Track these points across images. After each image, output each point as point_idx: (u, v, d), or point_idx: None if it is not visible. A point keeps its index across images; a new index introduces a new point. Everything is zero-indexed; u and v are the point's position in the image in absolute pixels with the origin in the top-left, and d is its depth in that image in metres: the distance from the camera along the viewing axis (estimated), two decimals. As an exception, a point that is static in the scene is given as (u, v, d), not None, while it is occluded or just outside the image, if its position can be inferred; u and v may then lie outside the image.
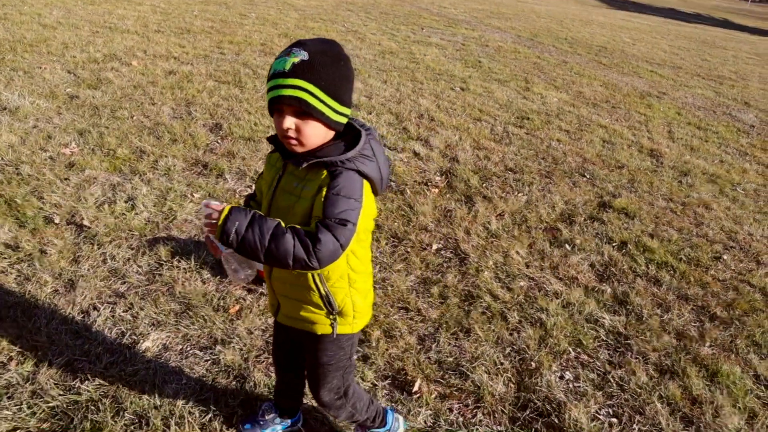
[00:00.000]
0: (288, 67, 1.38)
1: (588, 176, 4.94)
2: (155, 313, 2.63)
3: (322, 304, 1.62)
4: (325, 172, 1.46)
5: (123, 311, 2.63)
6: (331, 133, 1.50)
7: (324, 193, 1.43)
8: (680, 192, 4.88)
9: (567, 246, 3.73)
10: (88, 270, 2.88)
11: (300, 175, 1.51)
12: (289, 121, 1.43)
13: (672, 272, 3.59)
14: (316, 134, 1.46)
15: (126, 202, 3.53)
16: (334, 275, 1.58)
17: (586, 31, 15.49)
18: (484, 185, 4.44)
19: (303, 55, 1.39)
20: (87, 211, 3.38)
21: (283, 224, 1.42)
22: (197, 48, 7.62)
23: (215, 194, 3.77)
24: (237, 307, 2.73)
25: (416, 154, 4.88)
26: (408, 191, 4.16)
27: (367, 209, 1.48)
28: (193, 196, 3.70)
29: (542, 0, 25.86)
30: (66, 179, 3.76)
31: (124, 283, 2.83)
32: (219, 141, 4.62)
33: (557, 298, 3.14)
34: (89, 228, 3.23)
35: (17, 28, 7.55)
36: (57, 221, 3.27)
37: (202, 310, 2.68)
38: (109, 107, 5.07)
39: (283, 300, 1.70)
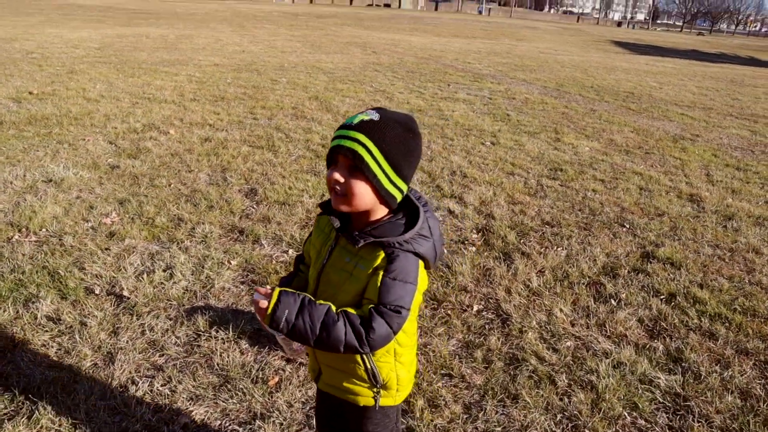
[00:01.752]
0: (356, 121, 1.39)
1: (628, 226, 4.82)
2: (193, 386, 2.59)
3: (366, 378, 1.57)
4: (381, 253, 1.41)
5: (161, 385, 2.59)
6: (379, 205, 1.44)
7: (380, 277, 1.39)
8: (726, 237, 4.71)
9: (612, 301, 3.59)
10: (127, 342, 2.87)
11: (353, 251, 1.46)
12: (340, 173, 1.40)
13: (727, 324, 3.40)
14: (362, 195, 1.39)
15: (164, 271, 3.56)
16: (381, 350, 1.53)
17: (611, 78, 15.54)
18: (521, 241, 4.36)
19: (374, 116, 1.39)
20: (127, 281, 3.41)
21: (334, 309, 1.40)
22: (231, 114, 7.86)
23: (252, 260, 3.77)
24: (276, 379, 2.67)
25: (451, 212, 4.85)
26: (445, 251, 4.10)
27: (421, 287, 1.45)
28: (230, 263, 3.71)
29: (565, 50, 26.20)
30: (107, 249, 3.82)
31: (163, 355, 2.80)
32: (254, 206, 4.67)
33: (607, 358, 2.99)
34: (128, 298, 3.24)
35: (64, 103, 7.93)
36: (97, 292, 3.30)
37: (240, 382, 2.62)
38: (147, 176, 5.21)
39: (326, 368, 1.65)
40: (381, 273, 1.40)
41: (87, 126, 6.81)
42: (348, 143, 1.37)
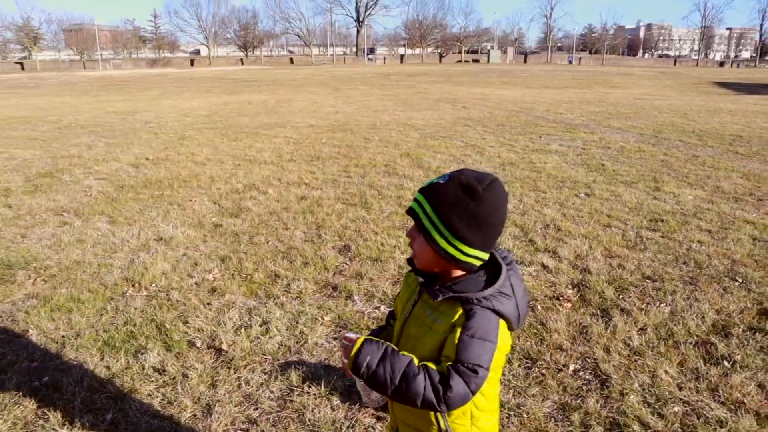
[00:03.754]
0: (426, 184, 1.46)
1: (740, 280, 4.45)
2: (286, 441, 2.64)
3: None
4: (460, 309, 1.42)
5: (256, 439, 2.66)
6: (450, 265, 1.45)
7: (458, 334, 1.39)
8: None
9: (726, 363, 3.30)
10: (224, 395, 2.99)
11: (434, 306, 1.48)
12: (409, 232, 1.49)
13: None
14: (423, 253, 1.46)
15: (261, 326, 3.70)
16: (457, 411, 1.50)
17: (714, 121, 14.72)
18: (620, 297, 4.14)
19: (443, 179, 1.43)
20: (225, 335, 3.58)
21: (416, 362, 1.40)
22: (326, 173, 8.20)
23: (344, 316, 3.85)
24: (366, 436, 2.67)
25: (545, 266, 4.71)
26: (539, 307, 3.97)
27: (502, 347, 1.42)
28: (324, 319, 3.80)
29: (662, 95, 25.22)
30: (208, 304, 4.04)
31: (257, 408, 2.89)
32: (347, 262, 4.79)
33: (722, 427, 2.73)
34: (227, 352, 3.39)
35: (175, 167, 8.64)
36: (199, 345, 3.49)
37: (330, 438, 2.64)
38: (247, 234, 5.50)
39: (402, 425, 1.65)
40: (459, 330, 1.39)
41: (194, 187, 7.36)
42: (413, 204, 1.46)
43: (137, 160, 9.30)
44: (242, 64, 79.60)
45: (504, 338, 1.43)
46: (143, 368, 3.24)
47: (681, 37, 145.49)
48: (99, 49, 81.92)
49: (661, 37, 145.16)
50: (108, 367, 3.25)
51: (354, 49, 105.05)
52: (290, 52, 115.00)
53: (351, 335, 1.47)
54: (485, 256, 1.45)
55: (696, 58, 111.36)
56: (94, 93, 27.60)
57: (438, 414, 1.50)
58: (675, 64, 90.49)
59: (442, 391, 1.35)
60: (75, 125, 14.16)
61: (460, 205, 1.39)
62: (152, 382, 3.12)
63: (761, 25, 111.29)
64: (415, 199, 1.45)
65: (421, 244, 1.46)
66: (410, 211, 1.46)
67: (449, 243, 1.41)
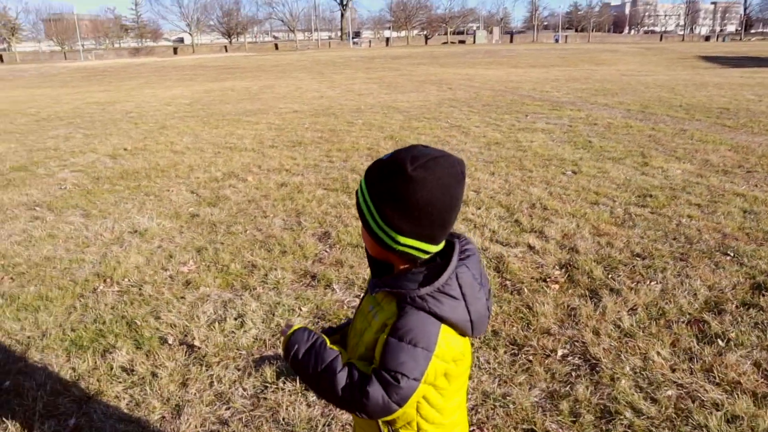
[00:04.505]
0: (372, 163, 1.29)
1: (732, 254, 4.33)
2: (258, 442, 2.49)
3: None
4: (395, 307, 1.24)
5: (226, 441, 2.51)
6: (392, 255, 1.26)
7: (385, 335, 1.21)
8: None
9: (720, 341, 3.18)
10: (195, 394, 2.83)
11: (377, 299, 1.31)
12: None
13: None
14: (364, 237, 1.29)
15: (236, 319, 3.54)
16: (400, 421, 1.32)
17: (701, 94, 14.61)
18: (609, 276, 4.01)
19: (386, 157, 1.23)
20: (198, 330, 3.42)
21: (343, 358, 1.26)
22: (307, 159, 8.00)
23: (323, 306, 3.69)
24: (343, 435, 2.52)
25: (531, 247, 4.56)
26: (525, 290, 3.83)
27: (445, 356, 1.23)
28: (301, 310, 3.64)
29: (649, 70, 25.11)
30: (182, 298, 3.87)
31: (229, 408, 2.73)
32: (327, 250, 4.63)
33: (718, 410, 2.61)
34: (199, 348, 3.23)
35: (153, 157, 8.40)
36: (170, 341, 3.32)
37: (306, 438, 2.50)
38: (225, 223, 5.32)
39: (357, 427, 1.51)
40: (387, 330, 1.22)
41: (172, 177, 7.14)
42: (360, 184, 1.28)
43: (115, 150, 9.05)
44: (226, 51, 78.49)
45: (449, 346, 1.23)
46: (111, 368, 3.07)
47: (666, 12, 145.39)
48: (80, 39, 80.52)
49: (647, 13, 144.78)
50: (74, 369, 3.08)
51: (339, 33, 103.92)
52: (275, 38, 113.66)
53: (291, 323, 1.38)
54: (430, 247, 1.23)
55: (682, 33, 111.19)
56: (74, 84, 27.10)
57: (381, 422, 1.33)
58: (661, 39, 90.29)
59: (359, 396, 1.19)
60: (53, 117, 13.83)
61: (389, 187, 1.19)
62: (120, 382, 2.96)
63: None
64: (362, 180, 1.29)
65: (363, 230, 1.28)
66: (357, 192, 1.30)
67: (380, 228, 1.22)
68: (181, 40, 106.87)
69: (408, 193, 1.16)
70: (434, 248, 1.25)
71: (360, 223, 1.30)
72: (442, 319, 1.21)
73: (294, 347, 1.29)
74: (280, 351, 1.35)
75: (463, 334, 1.27)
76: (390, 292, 1.25)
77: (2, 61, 62.45)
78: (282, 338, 1.37)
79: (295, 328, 1.33)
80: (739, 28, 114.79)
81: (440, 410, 1.33)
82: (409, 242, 1.21)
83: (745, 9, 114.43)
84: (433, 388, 1.28)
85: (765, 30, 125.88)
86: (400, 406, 1.21)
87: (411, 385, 1.19)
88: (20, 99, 19.67)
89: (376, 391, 1.18)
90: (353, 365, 1.25)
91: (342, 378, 1.22)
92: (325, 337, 1.33)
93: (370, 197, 1.22)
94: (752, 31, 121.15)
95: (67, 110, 15.25)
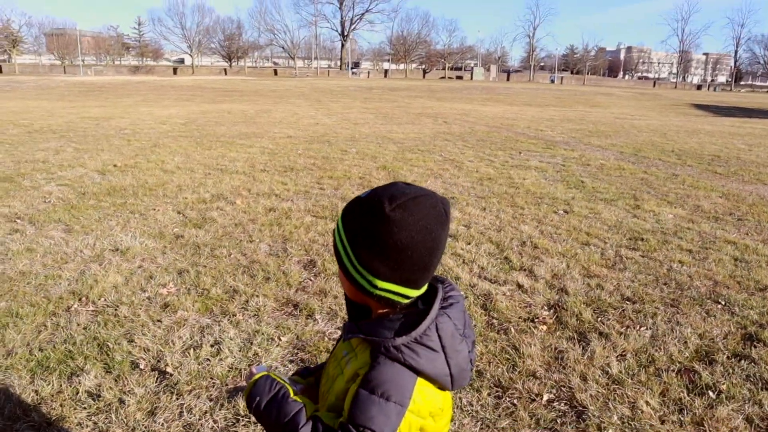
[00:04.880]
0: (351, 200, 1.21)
1: (723, 303, 4.27)
2: (225, 481, 2.35)
3: None
4: (369, 354, 1.15)
5: (191, 478, 2.37)
6: (370, 300, 1.18)
7: (356, 385, 1.12)
8: None
9: (710, 393, 3.08)
10: (162, 424, 2.69)
11: (353, 345, 1.22)
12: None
13: None
14: (341, 279, 1.20)
15: (212, 346, 3.40)
16: None
17: (693, 141, 14.77)
18: (599, 319, 3.92)
19: (364, 194, 1.16)
20: (173, 356, 3.28)
21: (307, 411, 1.16)
22: (298, 185, 7.92)
23: (303, 337, 3.56)
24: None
25: (520, 286, 4.48)
26: (512, 330, 3.73)
27: (420, 411, 1.13)
28: (280, 340, 3.51)
29: (642, 115, 25.46)
30: (158, 321, 3.73)
31: (197, 441, 2.59)
32: (312, 278, 4.51)
33: (707, 467, 2.50)
34: (171, 375, 3.09)
35: (142, 175, 8.30)
36: (142, 366, 3.18)
37: (275, 478, 2.35)
38: (209, 246, 5.20)
39: None
40: (358, 380, 1.12)
41: (160, 196, 7.03)
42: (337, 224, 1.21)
43: (104, 166, 8.94)
44: (225, 74, 79.18)
45: (425, 400, 1.14)
46: (77, 393, 2.92)
47: (660, 60, 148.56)
48: (80, 54, 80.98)
49: (641, 60, 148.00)
50: (37, 392, 2.93)
51: (338, 63, 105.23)
52: (275, 63, 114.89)
53: (255, 369, 1.29)
54: (410, 292, 1.15)
55: (674, 80, 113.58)
56: (71, 98, 27.08)
57: None
58: (654, 86, 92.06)
59: None
60: (46, 129, 13.74)
61: (366, 228, 1.11)
62: (84, 408, 2.81)
63: (736, 52, 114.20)
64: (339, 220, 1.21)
65: (339, 270, 1.21)
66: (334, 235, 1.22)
67: (357, 272, 1.14)
68: (182, 61, 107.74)
69: (386, 234, 1.08)
70: (415, 293, 1.16)
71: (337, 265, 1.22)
72: (418, 372, 1.12)
73: (256, 399, 1.21)
74: (242, 400, 1.24)
75: (441, 388, 1.17)
76: (364, 339, 1.16)
77: (1, 72, 62.58)
78: (247, 378, 1.29)
79: (257, 376, 1.25)
80: (730, 79, 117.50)
81: None
82: (387, 286, 1.12)
83: (735, 61, 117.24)
84: None
85: (754, 82, 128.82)
86: None
87: None
88: (15, 110, 19.58)
89: None
90: (318, 418, 1.15)
91: None
92: (289, 386, 1.24)
93: (346, 238, 1.14)
94: (741, 82, 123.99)
95: (61, 123, 15.17)
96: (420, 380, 1.12)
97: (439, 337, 1.13)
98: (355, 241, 1.12)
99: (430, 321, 1.12)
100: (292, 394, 1.21)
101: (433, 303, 1.15)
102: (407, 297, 1.15)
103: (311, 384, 1.40)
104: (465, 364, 1.18)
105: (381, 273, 1.11)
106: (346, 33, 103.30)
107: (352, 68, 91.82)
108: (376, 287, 1.12)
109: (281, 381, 1.26)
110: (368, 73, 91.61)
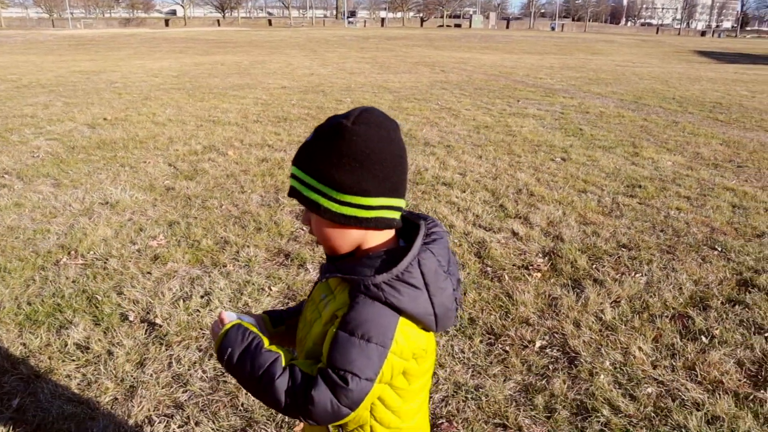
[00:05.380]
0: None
1: (720, 249, 4.22)
2: (213, 429, 2.34)
3: None
4: (347, 296, 1.08)
5: (178, 426, 2.36)
6: (365, 234, 1.10)
7: (335, 327, 1.05)
8: (843, 264, 4.01)
9: (703, 338, 3.06)
10: (151, 375, 2.67)
11: (331, 287, 1.15)
12: (304, 216, 1.15)
13: None
14: (320, 232, 1.11)
15: (202, 297, 3.37)
16: (352, 424, 1.16)
17: (695, 88, 14.50)
18: (594, 266, 3.88)
19: (310, 137, 1.09)
20: (162, 307, 3.24)
21: (283, 360, 1.09)
22: (291, 135, 7.78)
23: (294, 287, 3.53)
24: (302, 425, 2.38)
25: (515, 233, 4.42)
26: (506, 277, 3.69)
27: (403, 352, 1.07)
28: (271, 290, 3.47)
29: (643, 62, 24.96)
30: (148, 273, 3.69)
31: (186, 391, 2.57)
32: (304, 228, 4.46)
33: (698, 410, 2.49)
34: (161, 326, 3.06)
35: (133, 128, 8.14)
36: (131, 318, 3.15)
37: (264, 427, 2.34)
38: (200, 197, 5.12)
39: (307, 429, 1.38)
40: (337, 322, 1.05)
41: (150, 149, 6.91)
42: (290, 182, 1.13)
43: (94, 120, 8.77)
44: (219, 25, 77.28)
45: (408, 340, 1.08)
46: (65, 345, 2.90)
47: (664, 5, 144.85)
48: (69, 6, 78.85)
49: (644, 5, 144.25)
50: (25, 345, 2.91)
51: (334, 12, 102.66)
52: (269, 13, 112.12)
53: (226, 315, 1.19)
54: (399, 201, 1.10)
55: (678, 27, 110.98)
56: (61, 52, 26.46)
57: (331, 427, 1.17)
58: (657, 32, 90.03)
59: (303, 401, 1.03)
60: (35, 84, 13.44)
61: (333, 151, 1.04)
62: (73, 361, 2.79)
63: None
64: (291, 174, 1.12)
65: (315, 222, 1.11)
66: (291, 191, 1.12)
67: (345, 204, 1.05)
68: (174, 13, 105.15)
69: (362, 146, 1.03)
70: (403, 202, 1.11)
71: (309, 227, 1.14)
72: (400, 311, 1.05)
73: (227, 351, 1.12)
74: (213, 352, 1.16)
75: (425, 328, 1.11)
76: (343, 279, 1.09)
77: (-12, 25, 61.05)
78: (213, 333, 1.20)
79: (227, 326, 1.15)
80: (735, 25, 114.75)
81: (398, 413, 1.17)
82: (380, 202, 1.06)
83: (741, 6, 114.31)
84: (390, 388, 1.12)
85: (761, 28, 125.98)
86: (352, 410, 1.05)
87: (363, 386, 1.04)
88: (2, 65, 19.15)
89: (322, 395, 1.03)
90: (295, 367, 1.08)
91: (283, 383, 1.05)
92: (262, 336, 1.15)
93: (318, 179, 1.06)
94: (748, 28, 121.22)
95: (50, 78, 14.83)
96: (402, 320, 1.06)
97: (422, 273, 1.06)
98: (331, 175, 1.04)
99: (412, 257, 1.06)
100: (267, 344, 1.15)
101: (415, 240, 1.09)
102: (399, 209, 1.10)
103: (283, 333, 1.34)
104: (450, 303, 1.11)
105: (371, 190, 1.05)
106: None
107: (348, 17, 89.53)
108: (371, 208, 1.06)
109: (254, 330, 1.19)
110: (365, 22, 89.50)
